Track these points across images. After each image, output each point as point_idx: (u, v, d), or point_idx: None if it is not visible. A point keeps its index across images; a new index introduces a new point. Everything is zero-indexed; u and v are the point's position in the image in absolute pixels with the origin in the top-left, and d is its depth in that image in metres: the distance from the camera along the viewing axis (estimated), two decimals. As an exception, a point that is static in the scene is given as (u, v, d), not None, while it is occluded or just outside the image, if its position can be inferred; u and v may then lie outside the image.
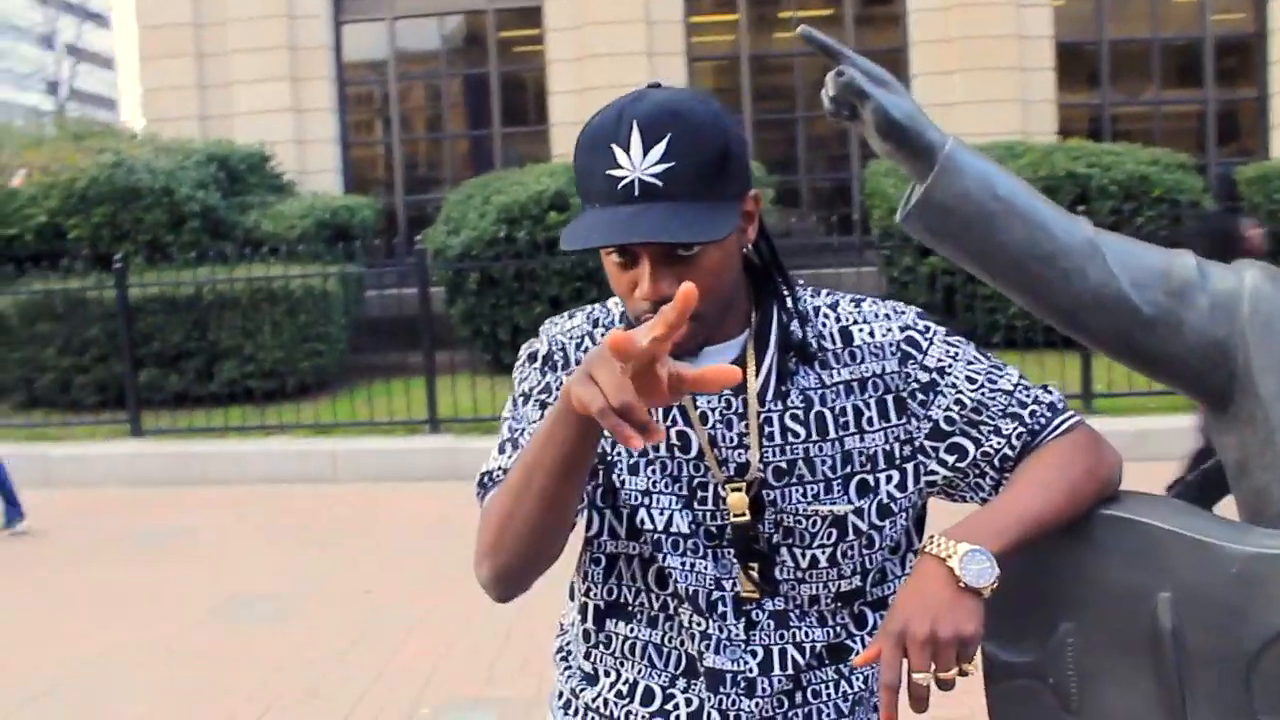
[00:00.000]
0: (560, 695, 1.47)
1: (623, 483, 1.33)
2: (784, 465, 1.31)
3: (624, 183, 1.18)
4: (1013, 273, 1.39)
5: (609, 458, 1.33)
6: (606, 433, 1.28)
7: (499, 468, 1.35)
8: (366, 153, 14.63)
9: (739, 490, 1.30)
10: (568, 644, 1.47)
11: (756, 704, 1.33)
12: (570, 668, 1.46)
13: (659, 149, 1.18)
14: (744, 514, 1.30)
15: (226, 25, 13.59)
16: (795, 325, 1.32)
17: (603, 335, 1.36)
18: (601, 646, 1.40)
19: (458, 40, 14.53)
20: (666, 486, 1.31)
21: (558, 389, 1.35)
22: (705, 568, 1.32)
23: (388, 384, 8.71)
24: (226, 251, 9.83)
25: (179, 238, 10.02)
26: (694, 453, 1.31)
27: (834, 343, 1.34)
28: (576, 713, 1.43)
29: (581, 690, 1.43)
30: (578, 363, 1.35)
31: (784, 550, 1.32)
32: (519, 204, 9.83)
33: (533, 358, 1.40)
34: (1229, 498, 1.47)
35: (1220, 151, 13.34)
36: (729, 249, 1.25)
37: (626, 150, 1.18)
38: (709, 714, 1.33)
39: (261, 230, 10.50)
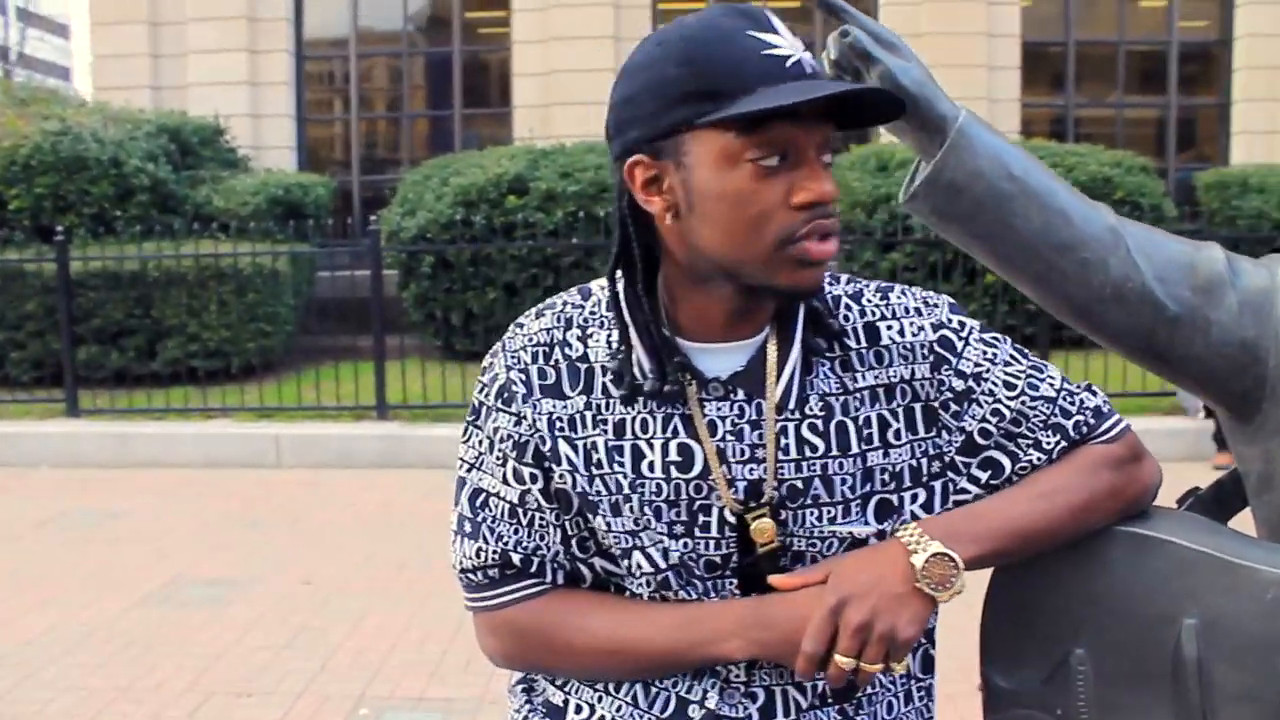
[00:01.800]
0: None
1: (608, 525, 1.15)
2: (799, 484, 1.14)
3: (792, 60, 1.07)
4: (1025, 261, 1.26)
5: (590, 498, 1.15)
6: (586, 469, 1.15)
7: (490, 565, 1.19)
8: (324, 130, 14.35)
9: (763, 516, 1.13)
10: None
11: None
12: (532, 703, 1.26)
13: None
14: (772, 541, 1.14)
15: (182, -7, 13.26)
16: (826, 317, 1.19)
17: (578, 339, 1.18)
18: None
19: (422, 18, 14.29)
20: (652, 522, 1.14)
21: (515, 427, 1.17)
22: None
23: (336, 368, 8.48)
24: (174, 227, 9.54)
25: (126, 211, 9.70)
26: (696, 471, 1.13)
27: (858, 341, 1.18)
28: None
29: None
30: (543, 389, 1.17)
31: None
32: (477, 187, 9.63)
33: (491, 387, 1.20)
34: (1245, 512, 1.36)
35: (1179, 157, 13.44)
36: None
37: (777, 34, 1.08)
38: None
39: (212, 206, 10.20)
